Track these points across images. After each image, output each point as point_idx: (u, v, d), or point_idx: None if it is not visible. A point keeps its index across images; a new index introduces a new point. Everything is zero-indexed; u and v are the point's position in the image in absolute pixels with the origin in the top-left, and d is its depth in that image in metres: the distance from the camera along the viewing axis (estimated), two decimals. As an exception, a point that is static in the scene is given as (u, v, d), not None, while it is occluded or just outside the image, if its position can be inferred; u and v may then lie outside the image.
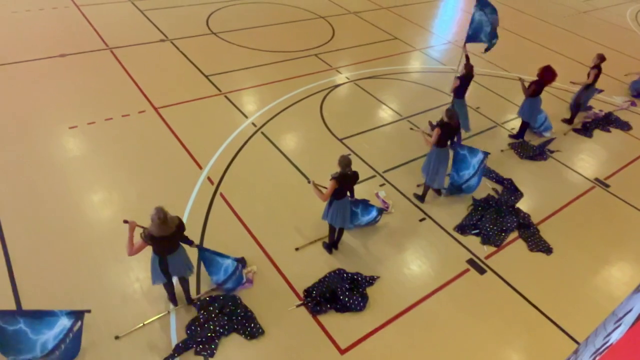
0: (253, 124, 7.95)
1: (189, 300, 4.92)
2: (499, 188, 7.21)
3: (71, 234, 5.58)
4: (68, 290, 4.91)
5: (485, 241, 6.21)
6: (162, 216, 4.08)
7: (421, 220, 6.46)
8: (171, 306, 4.87)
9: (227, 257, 5.06)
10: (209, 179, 6.65)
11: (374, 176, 7.13)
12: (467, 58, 7.83)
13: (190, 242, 4.60)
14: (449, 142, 6.34)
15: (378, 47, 11.28)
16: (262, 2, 13.01)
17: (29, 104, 7.70)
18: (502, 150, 8.13)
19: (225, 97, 8.58)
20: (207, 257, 4.97)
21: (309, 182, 5.32)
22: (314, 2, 13.49)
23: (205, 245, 5.45)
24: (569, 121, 9.15)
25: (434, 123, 7.16)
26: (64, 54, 9.20)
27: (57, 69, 8.71)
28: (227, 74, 9.30)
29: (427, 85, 9.96)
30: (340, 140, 7.83)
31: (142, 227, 4.18)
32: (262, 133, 7.75)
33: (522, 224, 6.49)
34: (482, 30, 7.95)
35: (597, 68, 8.38)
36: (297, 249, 5.74)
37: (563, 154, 8.22)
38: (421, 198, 6.75)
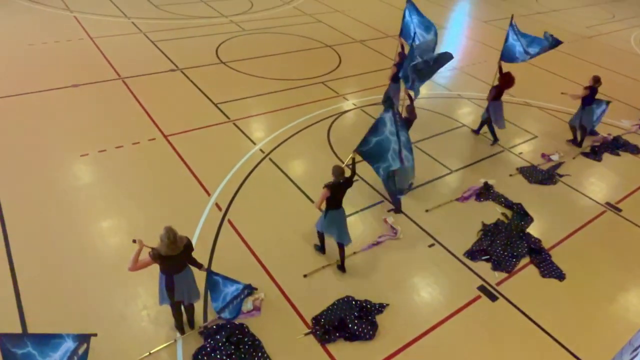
0: (261, 150, 8.03)
1: (193, 326, 4.90)
2: (509, 213, 7.14)
3: (80, 260, 5.60)
4: (75, 316, 4.88)
5: (496, 267, 6.11)
6: (171, 236, 4.12)
7: (430, 245, 6.39)
8: (178, 334, 4.81)
9: (235, 282, 5.02)
10: (217, 205, 6.68)
11: (381, 201, 7.11)
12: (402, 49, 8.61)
13: (199, 266, 4.59)
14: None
15: (384, 74, 11.39)
16: (270, 32, 13.33)
17: (42, 133, 7.85)
18: (510, 175, 8.09)
19: (234, 124, 8.70)
20: (214, 282, 4.93)
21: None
22: (320, 31, 13.80)
23: (213, 272, 5.42)
24: (576, 143, 9.12)
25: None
26: (77, 84, 9.44)
27: (70, 98, 8.92)
28: (235, 101, 9.46)
29: (433, 110, 10.04)
30: (348, 166, 7.84)
31: (150, 247, 4.19)
32: (270, 159, 7.81)
33: (533, 249, 6.39)
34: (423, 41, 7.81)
35: (591, 89, 8.42)
36: (305, 276, 5.69)
37: (573, 178, 8.16)
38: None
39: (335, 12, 15.80)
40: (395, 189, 6.26)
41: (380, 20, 15.17)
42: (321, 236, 5.92)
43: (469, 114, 10.13)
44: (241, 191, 7.01)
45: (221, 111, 9.05)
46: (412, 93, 7.36)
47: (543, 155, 8.73)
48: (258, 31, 13.32)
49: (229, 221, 6.42)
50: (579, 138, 9.07)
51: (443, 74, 11.94)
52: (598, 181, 8.20)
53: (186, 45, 11.84)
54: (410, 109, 7.48)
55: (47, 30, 11.78)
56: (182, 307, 4.76)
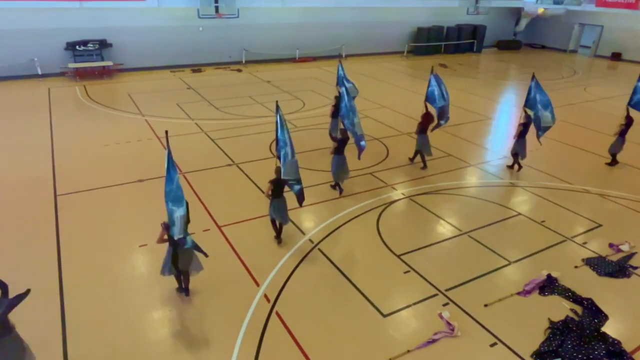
0: (310, 240, 8.06)
1: (187, 292, 6.47)
2: (579, 309, 6.51)
3: (128, 348, 5.61)
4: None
5: (571, 372, 5.44)
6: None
7: (492, 345, 5.86)
8: None
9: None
10: (265, 296, 6.62)
11: (435, 295, 6.75)
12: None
13: (203, 252, 6.04)
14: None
15: (432, 163, 11.53)
16: (319, 128, 14.06)
17: (107, 223, 8.40)
18: (576, 267, 7.52)
19: (284, 215, 8.90)
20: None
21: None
22: (368, 125, 14.37)
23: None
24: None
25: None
26: (142, 179, 10.21)
27: (135, 192, 9.62)
28: (286, 193, 9.73)
29: (485, 199, 9.82)
30: (398, 256, 7.67)
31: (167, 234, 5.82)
32: (319, 249, 7.79)
33: (612, 352, 5.68)
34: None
35: None
36: (355, 375, 5.33)
37: (649, 270, 7.45)
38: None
39: (381, 107, 16.57)
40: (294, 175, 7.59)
41: (426, 113, 15.67)
42: (273, 222, 7.81)
43: (524, 202, 9.80)
44: (290, 282, 6.95)
45: (272, 202, 9.34)
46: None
47: (611, 245, 8.12)
48: (309, 127, 14.12)
49: (277, 313, 6.29)
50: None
51: (493, 163, 11.84)
52: (680, 274, 7.42)
53: (243, 142, 12.68)
54: (342, 131, 9.62)
55: (121, 132, 13.13)
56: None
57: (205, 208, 9.06)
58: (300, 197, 7.72)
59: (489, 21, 30.89)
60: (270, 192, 7.46)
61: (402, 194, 9.92)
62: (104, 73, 20.00)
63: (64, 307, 6.32)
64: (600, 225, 8.83)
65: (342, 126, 9.68)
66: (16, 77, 18.87)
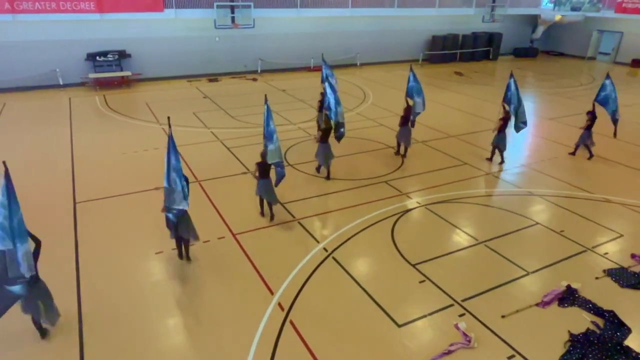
0: (324, 249, 8.04)
1: (188, 259, 7.58)
2: (600, 322, 6.34)
3: (142, 354, 5.65)
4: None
5: (592, 386, 5.29)
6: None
7: (510, 357, 5.74)
8: None
9: None
10: (279, 305, 6.60)
11: (451, 305, 6.65)
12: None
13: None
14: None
15: (448, 172, 11.43)
16: (331, 137, 14.07)
17: (124, 230, 8.51)
18: (597, 278, 7.33)
19: (299, 222, 8.90)
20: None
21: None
22: (383, 134, 14.36)
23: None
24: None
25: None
26: (159, 187, 10.30)
27: (152, 200, 9.71)
28: (300, 201, 9.79)
29: (502, 208, 9.68)
30: (413, 265, 7.59)
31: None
32: (333, 258, 7.76)
33: (636, 367, 5.52)
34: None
35: None
36: (369, 386, 5.27)
37: (673, 282, 7.22)
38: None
39: (396, 116, 16.43)
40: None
41: (442, 121, 15.57)
42: (260, 200, 8.98)
43: (542, 211, 9.63)
44: (304, 291, 6.93)
45: (287, 210, 9.36)
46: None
47: (633, 256, 7.91)
48: (323, 135, 14.12)
49: (291, 322, 6.27)
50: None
51: (511, 171, 11.69)
52: None
53: (257, 150, 12.64)
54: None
55: (138, 141, 13.34)
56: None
57: (220, 216, 9.12)
58: (279, 178, 8.76)
59: (505, 29, 30.66)
60: (257, 174, 8.62)
61: (417, 202, 9.85)
62: (123, 83, 20.40)
63: (81, 311, 6.41)
64: (621, 236, 8.62)
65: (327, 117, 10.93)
66: (39, 87, 19.38)
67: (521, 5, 30.00)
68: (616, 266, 7.63)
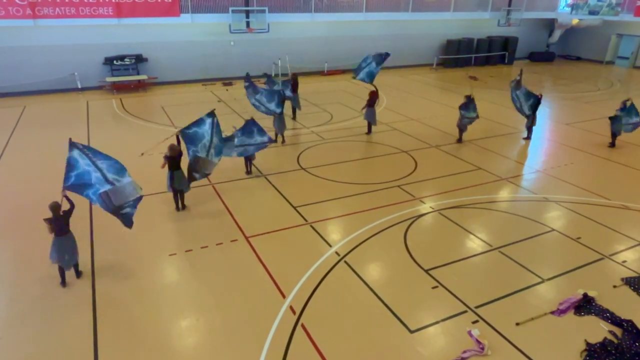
0: (337, 253, 8.03)
1: (184, 207, 9.38)
2: (618, 331, 6.20)
3: (157, 355, 5.69)
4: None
5: (609, 397, 5.18)
6: (174, 146, 8.85)
7: (524, 365, 5.65)
8: None
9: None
10: (291, 308, 6.61)
11: (464, 311, 6.58)
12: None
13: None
14: None
15: (462, 177, 11.33)
16: (347, 140, 14.09)
17: (138, 232, 8.60)
18: (615, 286, 7.19)
19: (311, 226, 8.91)
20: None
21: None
22: (396, 138, 14.33)
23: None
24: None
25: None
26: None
27: (166, 201, 9.83)
28: (313, 205, 9.80)
29: (517, 214, 9.55)
30: (426, 271, 7.53)
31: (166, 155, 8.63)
32: (345, 262, 7.74)
33: (655, 378, 5.38)
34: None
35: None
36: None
37: (694, 292, 7.03)
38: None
39: (410, 120, 16.47)
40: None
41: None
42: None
43: (558, 217, 9.48)
44: (316, 294, 6.92)
45: (299, 214, 9.38)
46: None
47: (653, 265, 7.73)
48: (337, 140, 14.16)
49: (302, 326, 6.26)
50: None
51: (526, 176, 11.54)
52: None
53: (270, 154, 12.83)
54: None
55: (154, 143, 13.47)
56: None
57: (234, 219, 9.17)
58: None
59: (521, 33, 30.38)
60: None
61: (431, 207, 9.78)
62: (139, 86, 20.72)
63: (95, 311, 6.50)
64: (640, 243, 8.45)
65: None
66: (58, 91, 19.80)
67: (537, 9, 29.71)
68: (635, 275, 7.47)
